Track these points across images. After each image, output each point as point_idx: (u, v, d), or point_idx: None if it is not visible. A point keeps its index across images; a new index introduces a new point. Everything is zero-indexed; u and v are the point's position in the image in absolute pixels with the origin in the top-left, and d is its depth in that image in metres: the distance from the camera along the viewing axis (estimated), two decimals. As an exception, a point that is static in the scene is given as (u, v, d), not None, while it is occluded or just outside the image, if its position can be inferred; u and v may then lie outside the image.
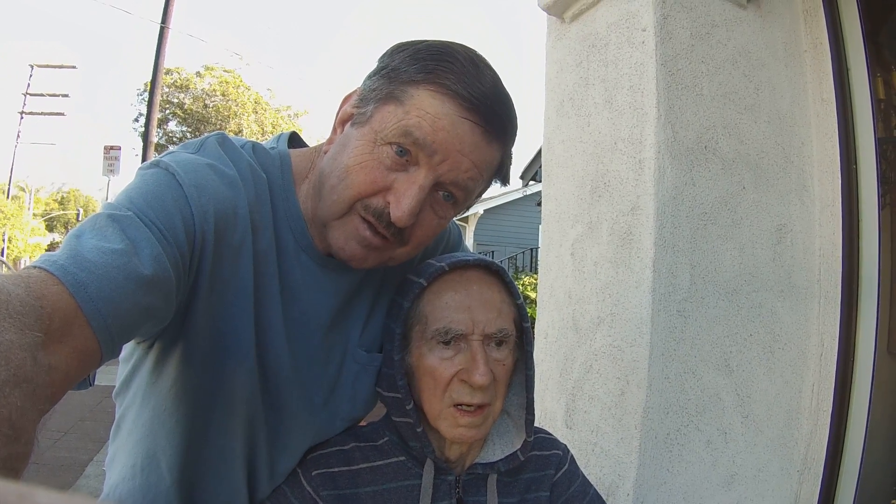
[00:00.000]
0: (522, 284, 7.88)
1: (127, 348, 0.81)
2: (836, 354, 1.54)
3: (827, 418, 1.54)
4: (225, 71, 19.47)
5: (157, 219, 0.61)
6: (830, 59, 1.64)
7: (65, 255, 0.53)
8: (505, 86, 0.74)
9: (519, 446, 0.87)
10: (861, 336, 1.55)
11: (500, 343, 0.81)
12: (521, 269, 10.62)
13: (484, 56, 0.75)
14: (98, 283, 0.51)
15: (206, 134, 0.78)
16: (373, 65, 0.76)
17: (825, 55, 1.65)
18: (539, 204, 1.56)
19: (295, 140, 0.89)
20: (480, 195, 0.82)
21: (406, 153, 0.69)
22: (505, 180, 0.83)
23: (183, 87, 19.17)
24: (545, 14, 1.59)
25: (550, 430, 1.02)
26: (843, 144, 1.58)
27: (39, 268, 0.50)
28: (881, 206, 1.56)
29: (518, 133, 0.79)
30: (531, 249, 11.47)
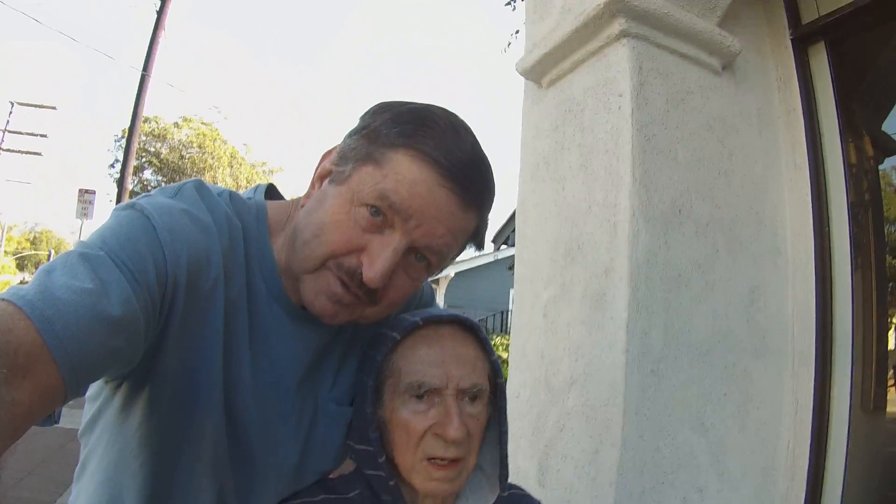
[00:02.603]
0: (494, 345, 7.88)
1: (94, 387, 0.79)
2: (812, 413, 1.56)
3: (804, 475, 1.56)
4: (203, 123, 19.82)
5: (129, 261, 0.61)
6: (804, 125, 1.70)
7: (34, 290, 0.53)
8: (484, 151, 0.76)
9: (493, 502, 0.87)
10: (836, 394, 1.57)
11: (473, 398, 0.81)
12: (491, 331, 10.55)
13: (464, 121, 0.76)
14: (65, 320, 0.51)
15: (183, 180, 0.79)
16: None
17: (798, 122, 1.71)
18: (511, 268, 1.60)
19: (272, 192, 0.90)
20: (455, 258, 0.83)
21: (381, 215, 0.69)
22: (479, 245, 0.84)
23: (160, 137, 19.44)
24: (522, 79, 1.66)
25: (524, 489, 1.03)
26: (816, 208, 1.63)
27: (7, 301, 0.50)
28: (854, 268, 1.60)
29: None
30: (502, 312, 11.46)
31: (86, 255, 0.59)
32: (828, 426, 1.57)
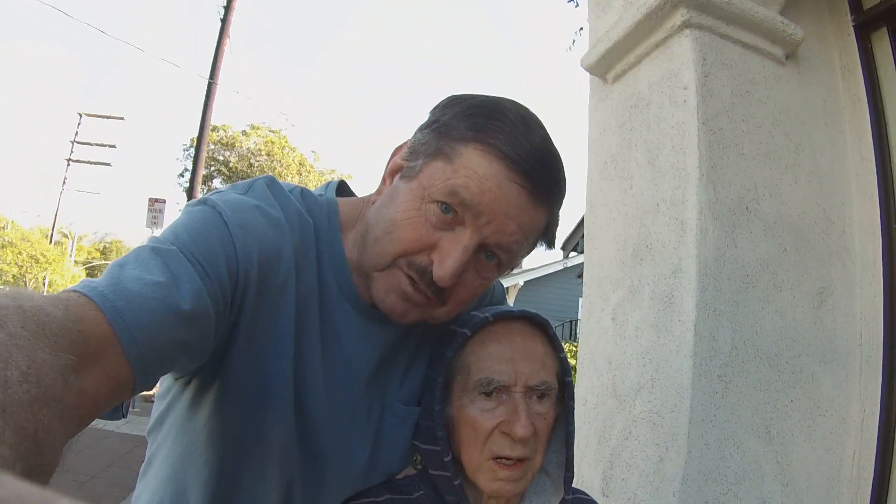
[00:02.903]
0: None
1: (163, 385, 0.80)
2: (878, 421, 1.49)
3: (868, 487, 1.49)
4: (271, 131, 19.78)
5: (201, 255, 0.61)
6: (869, 115, 1.63)
7: (106, 282, 0.53)
8: (555, 145, 0.73)
9: None
10: (903, 402, 1.50)
11: (541, 396, 0.79)
12: (561, 339, 10.58)
13: (535, 114, 0.74)
14: (136, 312, 0.51)
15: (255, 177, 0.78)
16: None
17: (864, 112, 1.64)
18: (580, 276, 1.55)
19: (344, 189, 0.89)
20: (525, 256, 0.80)
21: (452, 212, 0.68)
22: (550, 244, 0.81)
23: (229, 145, 19.45)
24: (587, 74, 1.59)
25: (588, 494, 0.98)
26: (884, 204, 1.56)
27: (79, 292, 0.50)
28: (923, 268, 1.53)
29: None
30: (571, 321, 11.43)
31: (158, 250, 0.59)
32: (894, 436, 1.50)
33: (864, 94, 1.65)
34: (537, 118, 0.73)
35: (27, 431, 0.36)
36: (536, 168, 0.68)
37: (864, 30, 1.70)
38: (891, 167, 1.60)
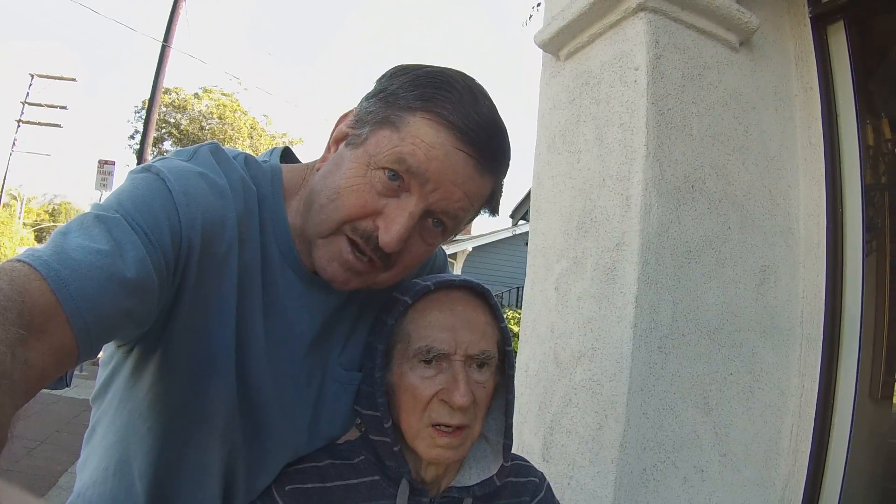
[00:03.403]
0: (507, 319, 7.85)
1: (107, 352, 0.80)
2: (817, 396, 1.54)
3: (805, 459, 1.55)
4: (223, 94, 19.65)
5: (145, 223, 0.61)
6: (820, 104, 1.67)
7: (49, 251, 0.52)
8: (501, 116, 0.75)
9: (495, 471, 0.86)
10: (842, 379, 1.56)
11: (481, 365, 0.80)
12: (507, 306, 10.56)
13: (482, 84, 0.75)
14: (80, 281, 0.51)
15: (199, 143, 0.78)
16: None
17: (815, 100, 1.68)
18: (527, 244, 1.58)
19: (288, 156, 0.89)
20: (469, 223, 0.82)
21: (398, 179, 0.69)
22: (494, 211, 0.83)
23: (180, 108, 19.30)
24: (541, 51, 1.63)
25: (528, 460, 1.01)
26: (830, 189, 1.61)
27: (23, 262, 0.50)
28: (866, 252, 1.58)
29: (510, 168, 0.79)
30: (518, 288, 11.43)
31: (101, 217, 0.59)
32: (832, 411, 1.56)
33: (817, 83, 1.70)
34: (484, 89, 0.74)
35: None
36: (483, 137, 0.70)
37: (821, 21, 1.74)
38: (839, 153, 1.65)
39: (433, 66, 0.74)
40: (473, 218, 0.81)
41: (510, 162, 0.78)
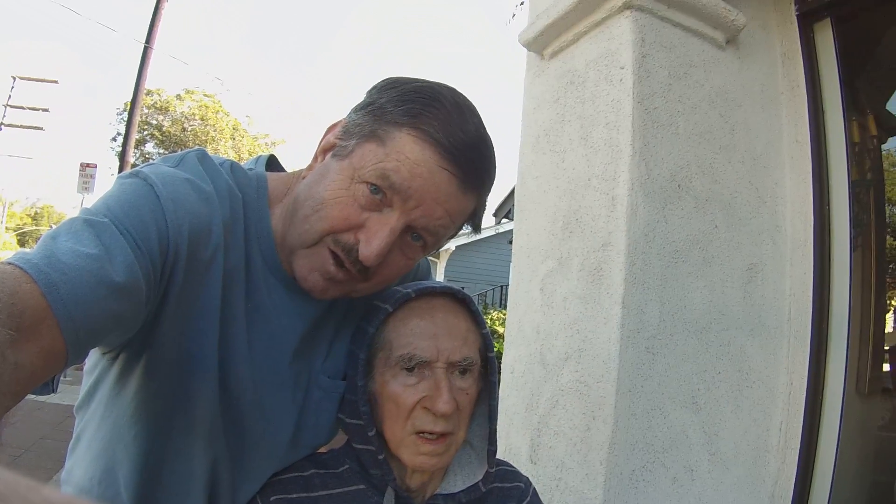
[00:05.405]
0: (491, 319, 7.88)
1: (91, 359, 0.80)
2: (805, 394, 1.54)
3: (795, 457, 1.55)
4: (205, 95, 19.64)
5: (133, 228, 0.61)
6: (807, 101, 1.67)
7: (39, 254, 0.53)
8: (488, 133, 0.75)
9: (481, 477, 0.86)
10: (830, 376, 1.56)
11: (464, 371, 0.80)
12: (490, 305, 10.54)
13: (470, 101, 0.75)
14: (70, 285, 0.51)
15: (186, 149, 0.79)
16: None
17: (802, 98, 1.68)
18: (511, 242, 1.57)
19: (273, 164, 0.90)
20: (450, 239, 0.82)
21: (381, 194, 0.69)
22: (476, 228, 0.84)
23: (162, 109, 19.25)
24: (525, 50, 1.62)
25: (515, 466, 1.01)
26: (817, 186, 1.61)
27: (13, 265, 0.50)
28: (853, 248, 1.58)
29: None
30: (501, 286, 11.48)
31: (90, 222, 0.59)
32: (821, 407, 1.56)
33: (804, 81, 1.69)
34: (472, 106, 0.75)
35: None
36: (468, 156, 0.70)
37: (807, 19, 1.74)
38: (826, 151, 1.65)
39: (423, 81, 0.75)
40: (455, 234, 0.81)
41: (494, 180, 0.78)
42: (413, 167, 0.68)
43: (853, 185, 1.61)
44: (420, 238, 0.74)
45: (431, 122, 0.69)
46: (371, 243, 0.70)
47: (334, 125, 0.79)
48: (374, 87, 0.76)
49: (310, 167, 0.79)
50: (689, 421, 1.41)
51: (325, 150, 0.77)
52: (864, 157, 1.74)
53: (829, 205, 1.60)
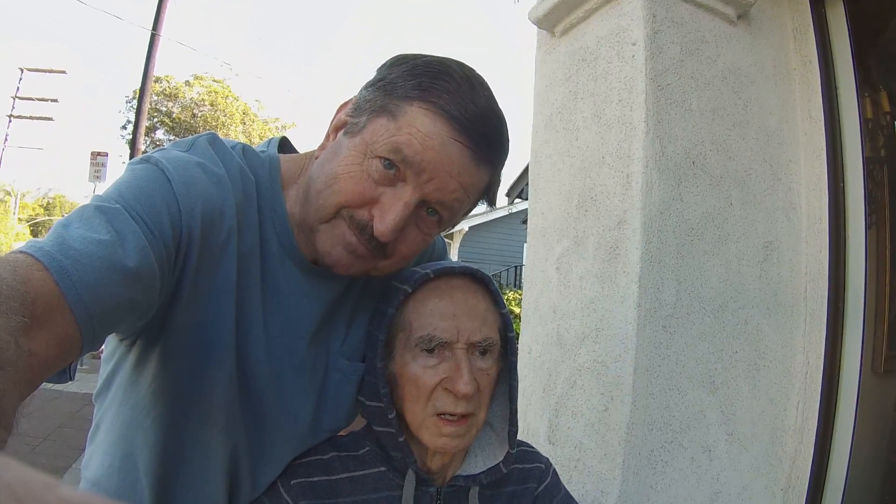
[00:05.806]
0: (507, 300, 7.89)
1: (109, 347, 0.80)
2: (822, 373, 1.53)
3: (812, 437, 1.54)
4: (214, 80, 19.60)
5: (145, 213, 0.61)
6: (819, 77, 1.65)
7: (51, 242, 0.53)
8: (499, 106, 0.75)
9: (501, 458, 0.85)
10: (846, 355, 1.55)
11: (484, 352, 0.80)
12: (505, 285, 10.57)
13: (480, 75, 0.74)
14: (82, 271, 0.51)
15: (197, 134, 0.78)
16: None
17: (814, 73, 1.66)
18: (524, 222, 1.56)
19: (285, 146, 0.90)
20: (466, 214, 0.82)
21: (394, 168, 0.69)
22: (492, 202, 0.83)
23: (172, 96, 19.21)
24: (535, 28, 1.59)
25: (533, 446, 1.00)
26: (831, 163, 1.59)
27: (26, 253, 0.50)
28: (868, 225, 1.57)
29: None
30: (516, 267, 11.47)
31: (102, 208, 0.59)
32: (837, 387, 1.54)
33: (816, 56, 1.67)
34: (483, 79, 0.74)
35: None
36: (480, 128, 0.70)
37: (819, -6, 1.72)
38: (839, 127, 1.63)
39: (432, 56, 0.74)
40: (471, 209, 0.81)
41: (508, 153, 0.77)
42: (425, 140, 0.68)
43: (867, 161, 1.60)
44: (435, 212, 0.73)
45: (442, 94, 0.69)
46: (385, 218, 0.69)
47: (345, 103, 0.79)
48: (384, 64, 0.76)
49: (322, 146, 0.79)
50: (706, 401, 1.39)
51: (336, 128, 0.77)
52: (877, 134, 1.72)
53: (843, 181, 1.58)
